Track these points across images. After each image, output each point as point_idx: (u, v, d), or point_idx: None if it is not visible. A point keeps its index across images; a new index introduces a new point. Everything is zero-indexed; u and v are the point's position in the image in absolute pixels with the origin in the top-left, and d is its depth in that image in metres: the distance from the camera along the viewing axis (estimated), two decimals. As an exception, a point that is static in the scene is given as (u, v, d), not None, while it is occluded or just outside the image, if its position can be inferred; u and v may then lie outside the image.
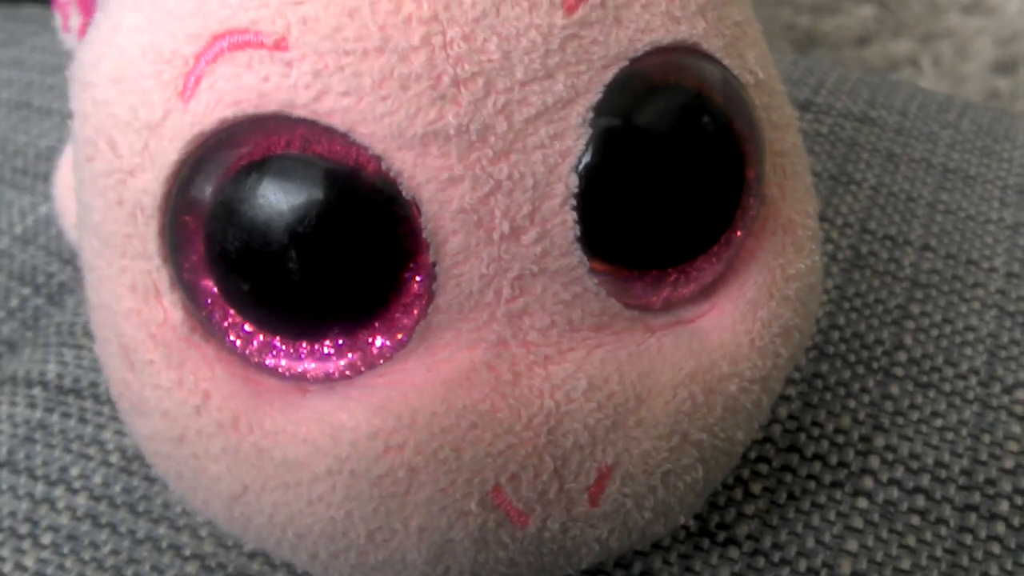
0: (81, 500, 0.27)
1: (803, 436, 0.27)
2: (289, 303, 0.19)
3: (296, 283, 0.19)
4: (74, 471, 0.28)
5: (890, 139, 0.37)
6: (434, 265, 0.19)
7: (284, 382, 0.20)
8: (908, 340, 0.30)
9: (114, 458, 0.28)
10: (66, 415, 0.30)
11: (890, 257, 0.32)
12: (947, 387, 0.29)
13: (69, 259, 0.43)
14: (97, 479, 0.28)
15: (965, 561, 0.25)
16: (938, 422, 0.28)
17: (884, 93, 0.39)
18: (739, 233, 0.21)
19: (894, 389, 0.29)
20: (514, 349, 0.20)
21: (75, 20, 0.34)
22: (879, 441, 0.27)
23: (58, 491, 0.28)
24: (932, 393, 0.28)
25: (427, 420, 0.19)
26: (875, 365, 0.29)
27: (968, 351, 0.30)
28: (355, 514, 0.20)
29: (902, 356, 0.29)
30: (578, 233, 0.19)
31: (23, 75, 0.54)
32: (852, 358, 0.29)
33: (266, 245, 0.18)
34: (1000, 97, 0.72)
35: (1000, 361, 0.29)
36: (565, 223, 0.19)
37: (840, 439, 0.27)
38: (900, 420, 0.28)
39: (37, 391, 0.31)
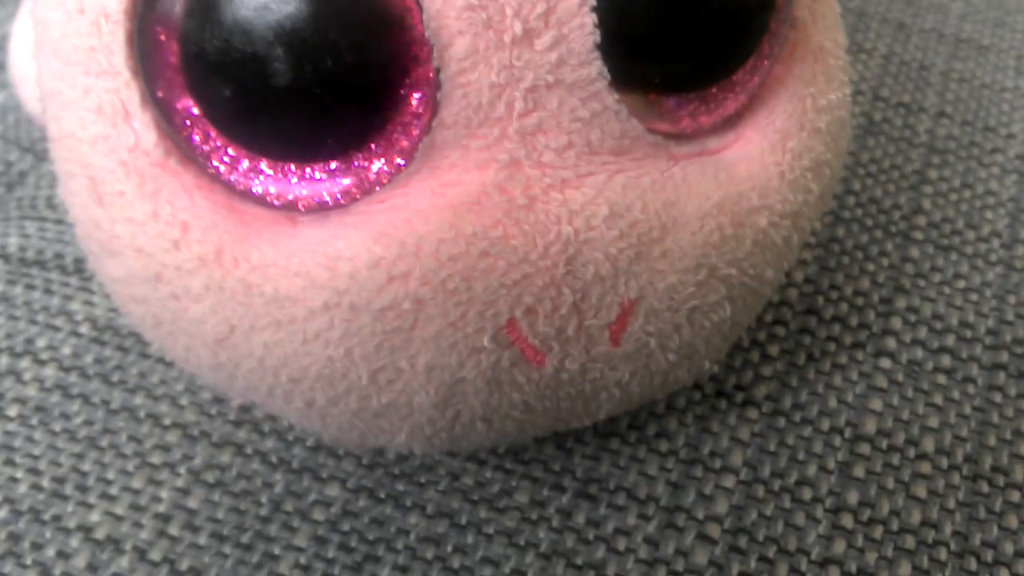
0: (49, 371, 0.25)
1: (821, 299, 0.26)
2: (275, 114, 0.17)
3: (282, 89, 0.16)
4: (41, 342, 0.26)
5: (899, 9, 0.35)
6: (438, 72, 0.17)
7: (272, 211, 0.18)
8: (927, 204, 0.28)
9: (84, 328, 0.26)
10: (30, 287, 0.27)
11: (905, 124, 0.31)
12: (969, 249, 0.27)
13: (29, 147, 0.41)
14: (66, 350, 0.26)
15: (995, 418, 0.24)
16: (961, 284, 0.26)
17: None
18: (766, 61, 0.19)
19: (914, 252, 0.27)
20: (528, 171, 0.18)
21: None
22: (900, 303, 0.26)
23: (24, 363, 0.26)
24: (954, 256, 0.27)
25: (434, 247, 0.17)
26: (893, 229, 0.28)
27: (989, 215, 0.28)
28: (356, 352, 0.18)
29: (921, 220, 0.28)
30: (597, 39, 0.17)
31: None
32: (869, 222, 0.28)
33: (248, 43, 0.16)
34: None
35: (1023, 224, 0.28)
36: (584, 27, 0.17)
37: (860, 301, 0.26)
38: (921, 282, 0.26)
39: (-1, 264, 0.29)
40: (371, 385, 0.18)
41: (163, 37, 0.17)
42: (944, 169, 0.29)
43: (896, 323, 0.25)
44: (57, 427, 0.24)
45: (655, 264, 0.18)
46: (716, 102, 0.19)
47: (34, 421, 0.25)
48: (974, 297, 0.26)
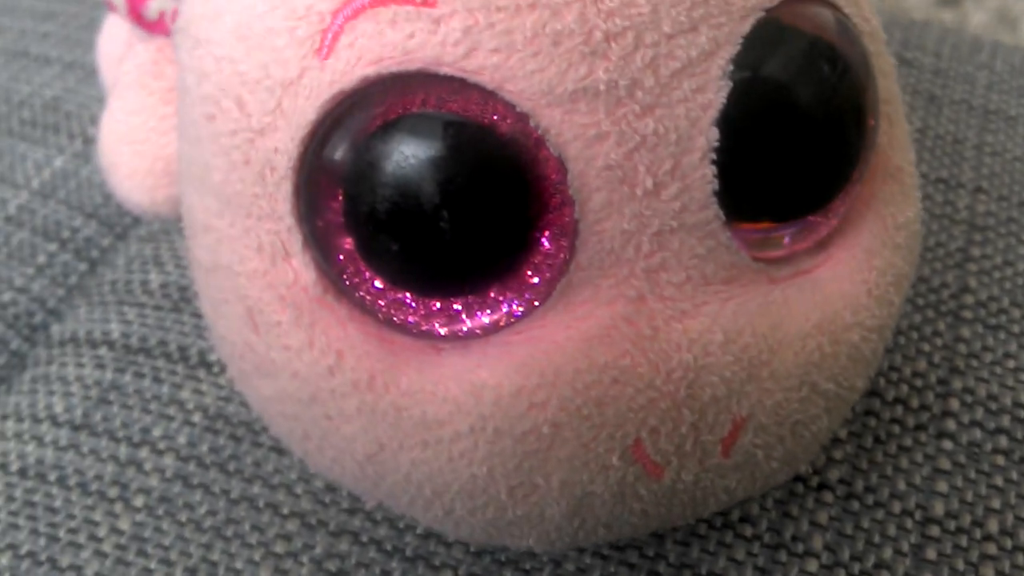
0: (168, 461, 0.27)
1: (882, 381, 0.28)
2: (429, 261, 0.19)
3: (441, 241, 0.18)
4: (156, 432, 0.28)
5: (929, 81, 0.37)
6: (577, 223, 0.19)
7: (417, 340, 0.20)
8: (973, 283, 0.30)
9: (196, 417, 0.28)
10: (139, 375, 0.29)
11: (945, 200, 0.33)
12: (1016, 328, 0.29)
13: (92, 213, 0.42)
14: (182, 439, 0.28)
15: (1051, 498, 0.26)
16: (1011, 363, 0.29)
17: (916, 34, 0.40)
18: (857, 185, 0.21)
19: (965, 332, 0.29)
20: (652, 304, 0.20)
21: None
22: (957, 383, 0.28)
23: (143, 453, 0.27)
24: (1002, 335, 0.29)
25: (570, 377, 0.19)
26: (944, 308, 0.30)
27: (1031, 293, 0.30)
28: (497, 470, 0.20)
29: (969, 299, 0.30)
30: (716, 187, 0.19)
31: (16, 23, 0.52)
32: (921, 302, 0.30)
33: (418, 205, 0.18)
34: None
35: (1062, 302, 0.30)
36: (704, 177, 0.19)
37: (919, 383, 0.28)
38: (974, 362, 0.28)
39: (104, 351, 0.30)
40: (508, 499, 0.20)
41: (327, 188, 0.19)
42: (986, 246, 0.31)
43: (954, 404, 0.28)
44: (183, 517, 0.26)
45: (764, 383, 0.20)
46: (813, 227, 0.21)
47: (160, 512, 0.26)
48: (1023, 376, 0.28)
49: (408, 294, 0.20)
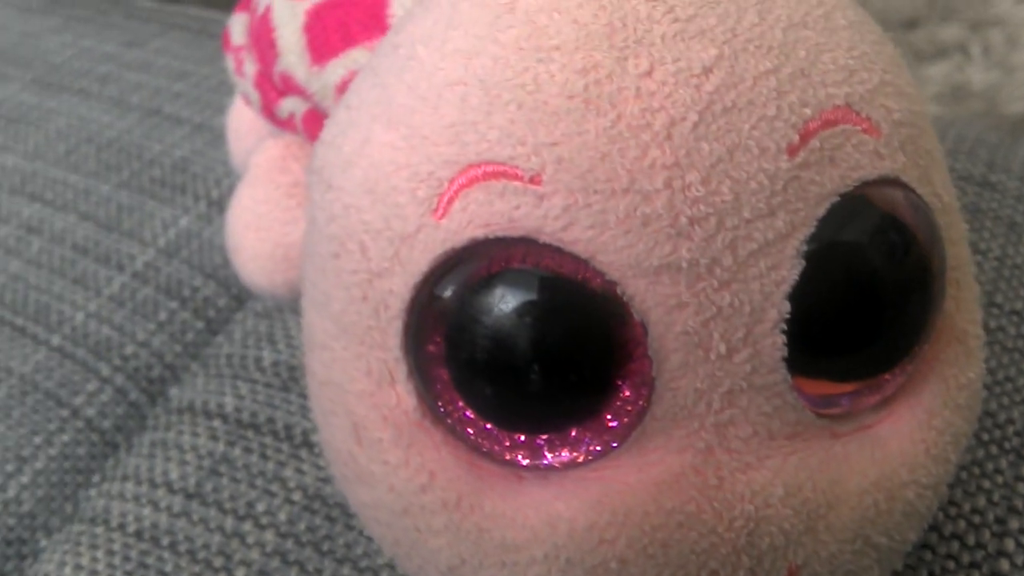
0: (269, 536, 0.30)
1: (941, 515, 0.29)
2: (517, 402, 0.21)
3: (529, 386, 0.21)
4: (260, 507, 0.31)
5: (1011, 206, 0.38)
6: (655, 379, 0.21)
7: (502, 467, 0.22)
8: (1038, 421, 0.32)
9: (296, 496, 0.31)
10: (248, 450, 0.32)
11: (1018, 333, 0.34)
12: (1076, 472, 0.30)
13: (211, 273, 0.45)
14: (282, 516, 0.30)
15: (1097, 648, 0.27)
16: (1068, 507, 0.30)
17: (1002, 155, 0.41)
18: (925, 347, 0.23)
19: (1026, 471, 0.30)
20: (719, 456, 0.22)
21: (249, 67, 0.36)
22: (1013, 523, 0.29)
23: (247, 526, 0.30)
24: (1062, 477, 0.30)
25: (640, 518, 0.21)
26: (1007, 445, 0.31)
27: (1095, 435, 0.31)
28: None
29: (1033, 437, 0.31)
30: (785, 354, 0.21)
31: (151, 80, 0.55)
32: (985, 437, 0.31)
33: (511, 354, 0.20)
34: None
35: (1126, 447, 0.31)
36: (774, 344, 0.21)
37: (976, 519, 0.29)
38: (1032, 503, 0.30)
39: (217, 423, 0.33)
40: None
41: (432, 326, 0.21)
42: (1054, 384, 0.33)
43: (1010, 545, 0.29)
44: (279, 592, 0.29)
45: (820, 536, 0.22)
46: (879, 386, 0.23)
47: (259, 585, 0.29)
48: (1080, 521, 0.29)
49: (496, 428, 0.22)
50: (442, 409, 0.22)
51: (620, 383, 0.21)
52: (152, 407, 0.39)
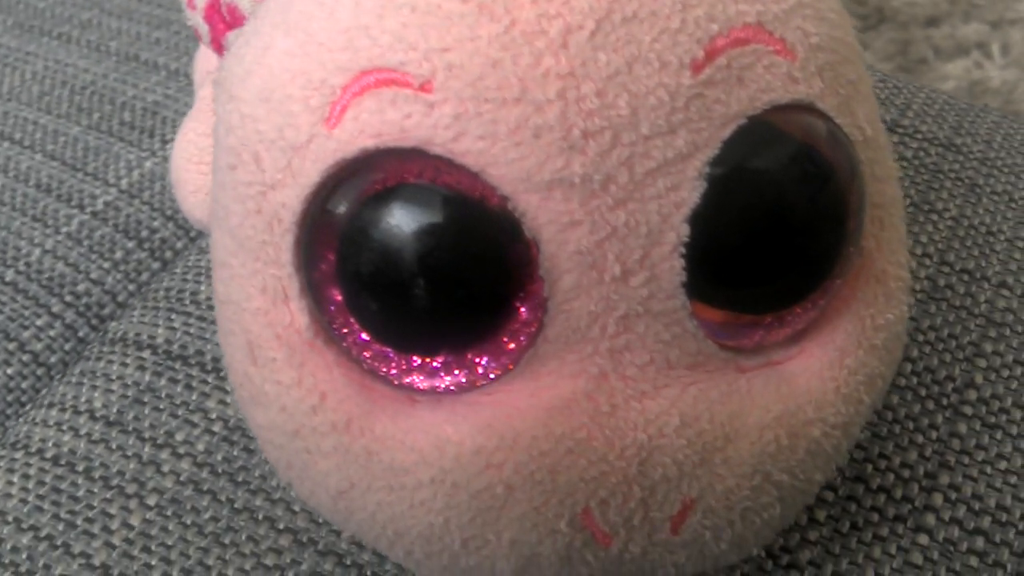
0: (185, 465, 0.29)
1: (870, 467, 0.29)
2: (408, 322, 0.20)
3: (419, 306, 0.20)
4: (179, 436, 0.30)
5: (974, 169, 0.37)
6: (547, 300, 0.20)
7: (395, 390, 0.22)
8: (979, 378, 0.31)
9: (217, 427, 0.30)
10: (173, 380, 0.32)
11: (966, 292, 0.33)
12: (1014, 429, 0.30)
13: (171, 215, 0.45)
14: (200, 446, 0.30)
15: (1017, 605, 0.26)
16: (1003, 464, 0.29)
17: (970, 119, 0.40)
18: (837, 281, 0.22)
19: (962, 427, 0.30)
20: (613, 382, 0.21)
21: (199, 0, 0.35)
22: (944, 479, 0.28)
23: (164, 454, 0.30)
24: (999, 435, 0.29)
25: (528, 443, 0.21)
26: (945, 402, 0.30)
27: (1038, 395, 0.30)
28: (452, 522, 0.21)
29: (972, 394, 0.30)
30: (684, 279, 0.20)
31: (132, 26, 0.55)
32: (923, 392, 0.30)
33: (397, 270, 0.20)
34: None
35: (1068, 408, 0.30)
36: (673, 268, 0.20)
37: (906, 473, 0.28)
38: (966, 459, 0.29)
39: (147, 354, 0.33)
40: (462, 550, 0.22)
41: (324, 243, 0.21)
42: (999, 343, 0.32)
43: (937, 500, 0.28)
44: (188, 520, 0.28)
45: (716, 469, 0.21)
46: (788, 319, 0.22)
47: (169, 512, 0.29)
48: (1013, 480, 0.28)
49: (391, 349, 0.21)
50: (336, 329, 0.21)
51: (518, 304, 0.20)
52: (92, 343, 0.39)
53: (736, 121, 0.20)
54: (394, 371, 0.22)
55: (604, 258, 0.20)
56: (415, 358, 0.21)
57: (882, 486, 0.28)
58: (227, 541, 0.28)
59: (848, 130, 0.22)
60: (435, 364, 0.21)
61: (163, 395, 0.31)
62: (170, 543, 0.28)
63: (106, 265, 0.43)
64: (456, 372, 0.21)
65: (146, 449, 0.30)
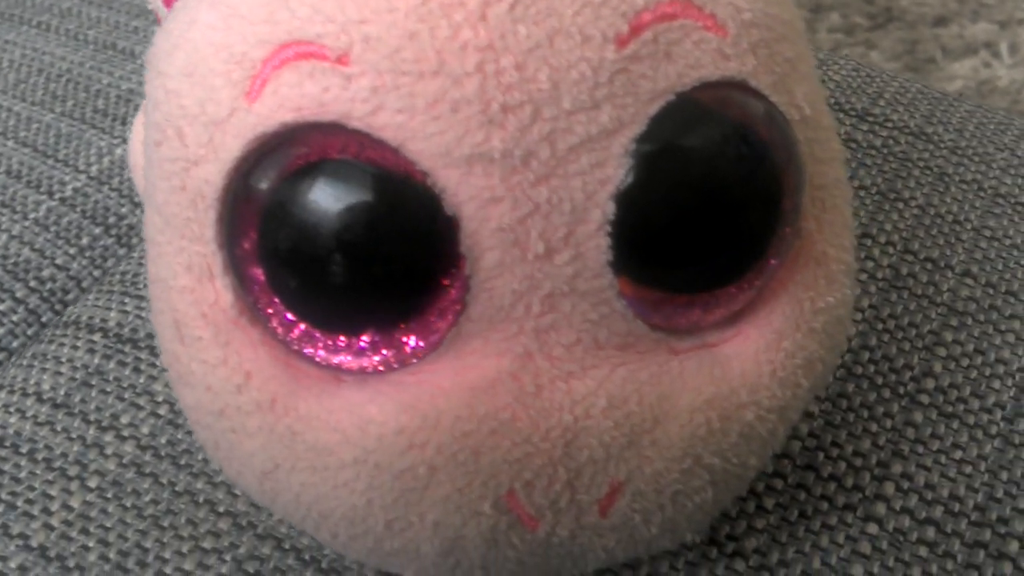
0: (128, 448, 0.29)
1: (821, 455, 0.28)
2: (331, 300, 0.20)
3: (339, 283, 0.20)
4: (125, 419, 0.30)
5: (943, 157, 0.37)
6: (469, 278, 0.20)
7: (321, 370, 0.21)
8: (937, 367, 0.30)
9: (162, 410, 0.30)
10: (122, 363, 0.31)
11: (929, 280, 0.32)
12: (971, 419, 0.29)
13: (139, 202, 0.45)
14: (145, 429, 0.29)
15: (965, 596, 0.26)
16: (958, 454, 0.28)
17: (943, 108, 0.39)
18: (772, 262, 0.21)
19: (917, 416, 0.29)
20: (539, 362, 0.20)
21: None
22: (896, 468, 0.28)
23: (108, 437, 0.29)
24: (955, 424, 0.29)
25: (451, 423, 0.20)
26: (902, 390, 0.30)
27: (996, 384, 0.30)
28: (375, 503, 0.21)
29: (930, 383, 0.30)
30: (610, 257, 0.20)
31: (111, 15, 0.55)
32: (879, 381, 0.30)
33: (315, 247, 0.19)
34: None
35: (1027, 398, 0.30)
36: (599, 247, 0.20)
37: (858, 462, 0.28)
38: (920, 448, 0.28)
39: (98, 337, 0.32)
40: (385, 531, 0.21)
41: (246, 220, 0.20)
42: (960, 332, 0.31)
43: (889, 489, 0.27)
44: (128, 503, 0.28)
45: (644, 451, 0.21)
46: (722, 299, 0.21)
47: (110, 495, 0.28)
48: (968, 469, 0.28)
49: (317, 331, 0.21)
50: (260, 308, 0.21)
51: (446, 282, 0.20)
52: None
53: (664, 97, 0.20)
54: (320, 351, 0.21)
55: (527, 235, 0.19)
56: (341, 337, 0.21)
57: (833, 474, 0.28)
58: (166, 524, 0.27)
59: (784, 109, 0.21)
60: (361, 343, 0.21)
61: (111, 378, 0.31)
62: (108, 525, 0.28)
63: (72, 251, 0.43)
64: (384, 352, 0.21)
65: (91, 431, 0.30)
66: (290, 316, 0.21)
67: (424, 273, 0.20)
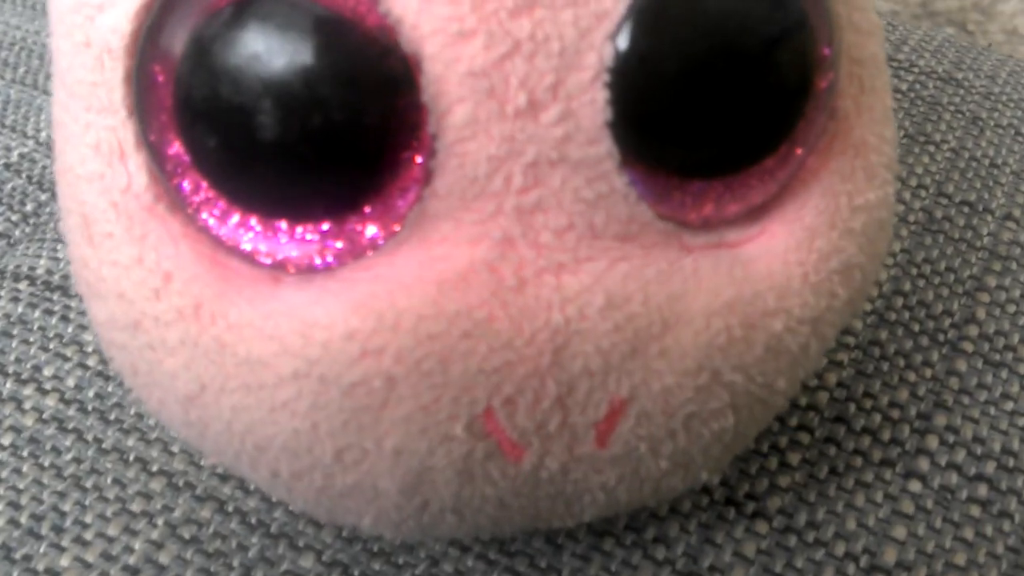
0: (50, 402, 0.25)
1: (852, 407, 0.24)
2: (263, 170, 0.16)
3: (269, 144, 0.16)
4: (47, 371, 0.26)
5: (976, 102, 0.33)
6: (434, 139, 0.16)
7: (255, 269, 0.17)
8: (981, 314, 0.26)
9: (92, 360, 0.26)
10: (48, 312, 0.27)
11: (967, 224, 0.29)
12: (1022, 368, 0.25)
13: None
14: (70, 381, 0.25)
15: (1029, 562, 0.22)
16: (1008, 405, 0.24)
17: (972, 56, 0.36)
18: (799, 150, 0.18)
19: (961, 365, 0.25)
20: (522, 250, 0.17)
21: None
22: (940, 420, 0.24)
23: (27, 390, 0.25)
24: (1004, 373, 0.25)
25: (413, 323, 0.16)
26: (941, 337, 0.26)
27: (1049, 332, 0.26)
28: (322, 427, 0.17)
29: (973, 330, 0.26)
30: (609, 117, 0.16)
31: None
32: (916, 328, 0.26)
33: (236, 93, 0.15)
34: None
35: (1085, 346, 0.26)
36: (594, 103, 0.16)
37: (895, 414, 0.24)
38: (965, 399, 0.24)
39: (23, 285, 0.28)
40: (335, 463, 0.17)
41: (160, 78, 0.16)
42: (1004, 277, 0.27)
43: (932, 442, 0.24)
44: (46, 462, 0.24)
45: (652, 363, 0.17)
46: (739, 191, 0.18)
47: (25, 453, 0.24)
48: (1021, 422, 0.24)
49: (254, 217, 0.17)
50: (182, 193, 0.17)
51: (410, 152, 0.16)
52: None
53: None
54: (261, 246, 0.17)
55: (505, 83, 0.16)
56: (280, 224, 0.17)
57: (867, 427, 0.24)
58: (88, 485, 0.23)
59: None
60: (308, 235, 0.17)
61: (35, 327, 0.27)
62: (21, 486, 0.23)
63: (15, 217, 0.39)
64: (333, 242, 0.17)
65: (8, 385, 0.26)
66: (222, 204, 0.17)
67: (379, 135, 0.16)
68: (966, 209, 0.29)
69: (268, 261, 0.17)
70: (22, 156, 0.42)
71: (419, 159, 0.16)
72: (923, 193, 0.30)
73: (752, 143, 0.17)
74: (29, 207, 0.40)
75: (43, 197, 0.40)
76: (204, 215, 0.17)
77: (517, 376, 0.17)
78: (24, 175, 0.41)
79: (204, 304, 0.17)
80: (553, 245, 0.17)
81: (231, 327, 0.17)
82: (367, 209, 0.17)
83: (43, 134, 0.44)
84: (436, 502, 0.18)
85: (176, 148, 0.17)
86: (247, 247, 0.17)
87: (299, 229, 0.17)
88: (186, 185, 0.17)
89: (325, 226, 0.17)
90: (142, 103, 0.17)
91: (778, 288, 0.18)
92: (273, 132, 0.16)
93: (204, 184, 0.17)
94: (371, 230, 0.17)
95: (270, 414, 0.17)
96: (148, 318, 0.18)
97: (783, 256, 0.18)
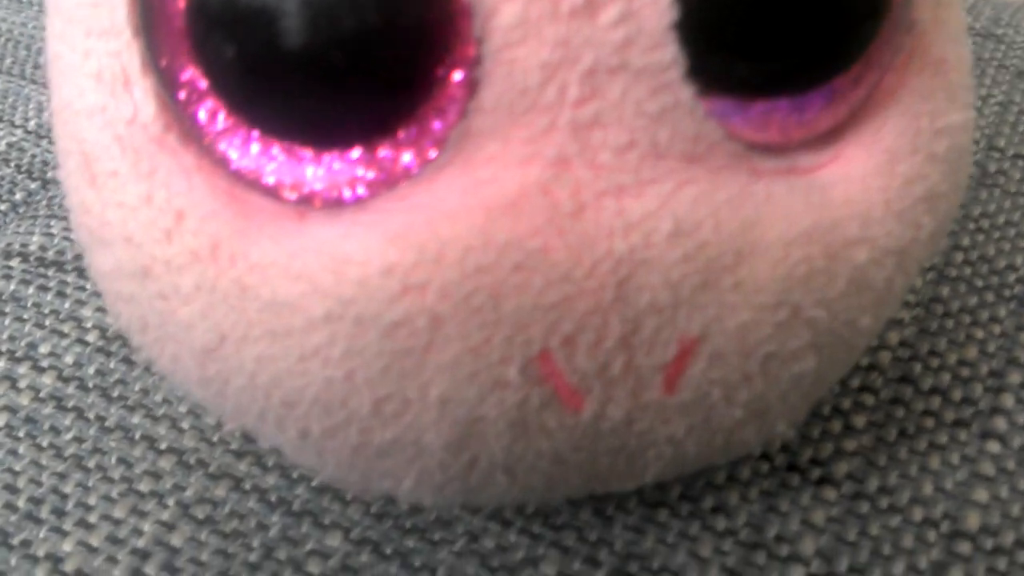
0: (47, 380, 0.23)
1: (918, 366, 0.22)
2: (287, 86, 0.14)
3: (294, 53, 0.14)
4: (43, 348, 0.24)
5: (1019, 56, 0.32)
6: (479, 44, 0.14)
7: (278, 203, 0.15)
8: (1048, 268, 0.25)
9: (91, 336, 0.24)
10: (43, 288, 0.25)
11: (1022, 177, 0.27)
12: (1097, 323, 0.23)
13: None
14: (69, 358, 0.24)
15: (1126, 524, 0.20)
16: (1087, 361, 0.23)
17: (1009, 13, 0.34)
18: (875, 71, 0.16)
19: (1032, 321, 0.23)
20: (579, 171, 0.15)
21: None
22: (1014, 378, 0.22)
23: (22, 368, 0.23)
24: (1079, 328, 0.23)
25: (459, 256, 0.14)
26: (1007, 293, 0.24)
27: (1122, 285, 0.24)
28: (358, 375, 0.15)
29: (1040, 285, 0.24)
30: (675, 18, 0.14)
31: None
32: (979, 283, 0.24)
33: (268, 15, 0.14)
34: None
35: None
36: (658, 2, 0.14)
37: (965, 372, 0.22)
38: (1040, 356, 0.23)
39: (16, 263, 0.26)
40: (374, 417, 0.15)
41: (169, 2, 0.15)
42: (1069, 230, 0.26)
43: (1008, 401, 0.22)
44: (44, 442, 0.22)
45: (725, 297, 0.15)
46: (812, 111, 0.16)
47: (21, 433, 0.22)
48: (1102, 378, 0.22)
49: (276, 146, 0.15)
50: (196, 120, 0.15)
51: (449, 67, 0.14)
52: None
53: None
54: (285, 179, 0.15)
55: None
56: (304, 152, 0.15)
57: (936, 387, 0.22)
58: (91, 465, 0.21)
59: None
60: (334, 161, 0.15)
61: (29, 304, 0.25)
62: (18, 468, 0.22)
63: (4, 207, 0.38)
64: (363, 170, 0.15)
65: (0, 363, 0.24)
66: (236, 129, 0.15)
67: (417, 41, 0.14)
68: (1020, 162, 0.28)
69: (293, 196, 0.15)
70: (10, 145, 0.41)
71: (458, 76, 0.14)
72: (975, 148, 0.28)
73: (826, 59, 0.15)
74: (19, 196, 0.39)
75: (33, 186, 0.39)
76: (222, 145, 0.15)
77: (576, 313, 0.15)
78: (13, 164, 0.40)
79: (222, 244, 0.15)
80: (613, 165, 0.15)
81: (253, 268, 0.15)
82: (401, 134, 0.15)
83: (31, 123, 0.43)
84: (486, 458, 0.16)
85: (190, 73, 0.15)
86: (269, 180, 0.15)
87: (326, 158, 0.15)
88: (201, 114, 0.15)
89: (355, 153, 0.15)
90: (149, 21, 0.15)
91: (860, 216, 0.16)
92: (299, 39, 0.14)
93: (222, 111, 0.15)
94: (406, 157, 0.15)
95: (299, 363, 0.15)
96: (159, 263, 0.16)
97: (863, 181, 0.16)
